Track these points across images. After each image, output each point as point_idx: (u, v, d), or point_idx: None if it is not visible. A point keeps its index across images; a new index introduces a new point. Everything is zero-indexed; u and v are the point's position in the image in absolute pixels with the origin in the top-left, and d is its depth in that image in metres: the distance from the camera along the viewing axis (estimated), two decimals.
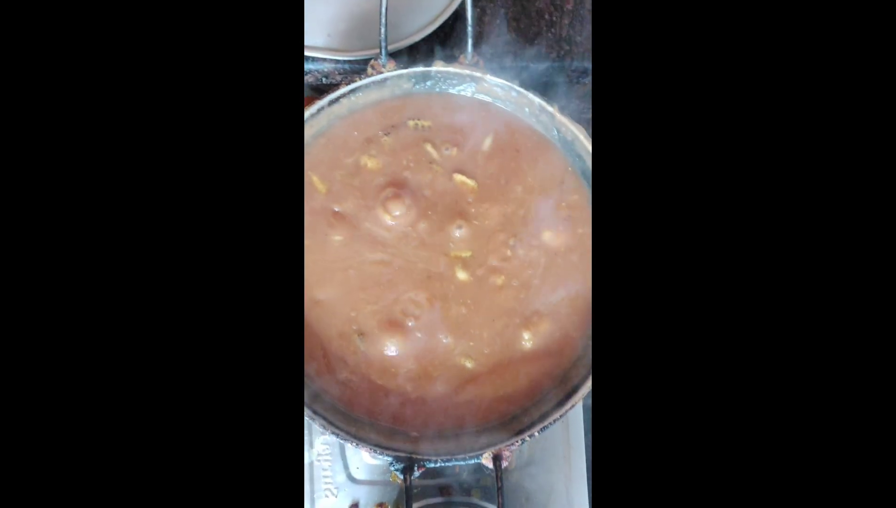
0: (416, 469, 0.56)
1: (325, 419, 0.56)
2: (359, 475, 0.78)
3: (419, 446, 0.58)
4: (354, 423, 0.59)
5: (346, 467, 0.78)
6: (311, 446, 0.77)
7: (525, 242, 0.66)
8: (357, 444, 0.55)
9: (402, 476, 0.55)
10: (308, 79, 0.85)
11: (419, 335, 0.62)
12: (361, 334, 0.62)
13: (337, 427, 0.56)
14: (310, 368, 0.61)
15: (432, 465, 0.57)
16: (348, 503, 0.78)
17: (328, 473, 0.78)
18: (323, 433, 0.77)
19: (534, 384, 0.64)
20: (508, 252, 0.66)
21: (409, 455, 0.56)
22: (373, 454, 0.56)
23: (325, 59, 0.80)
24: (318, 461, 0.77)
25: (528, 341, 0.64)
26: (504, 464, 0.58)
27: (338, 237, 0.64)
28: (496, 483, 0.56)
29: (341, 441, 0.75)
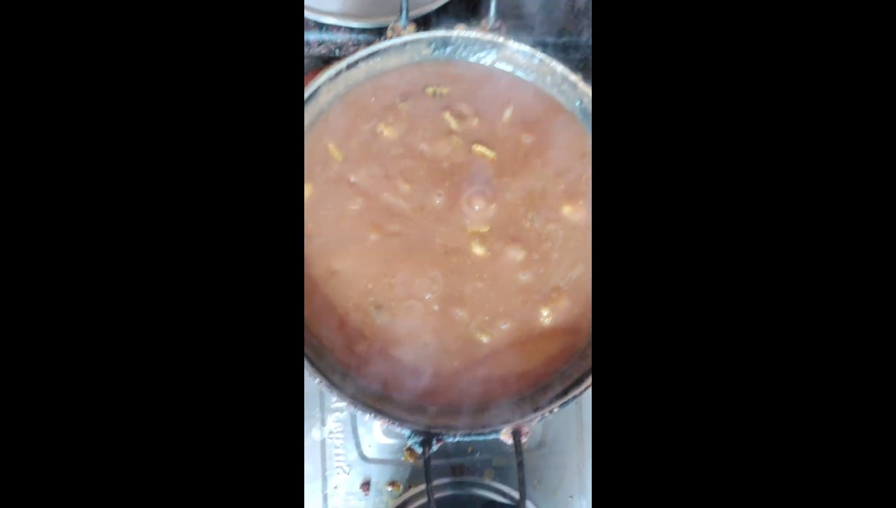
0: (434, 442, 0.54)
1: (340, 390, 0.54)
2: (371, 453, 0.77)
3: (437, 420, 0.56)
4: (372, 396, 0.57)
5: (357, 445, 0.76)
6: (324, 423, 0.76)
7: (544, 215, 0.65)
8: (375, 416, 0.54)
9: (420, 450, 0.54)
10: (321, 50, 0.82)
11: (436, 308, 0.61)
12: (378, 306, 0.60)
13: (354, 400, 0.54)
14: (326, 340, 0.59)
15: (451, 440, 0.55)
16: (360, 481, 0.77)
17: (340, 451, 0.76)
18: (336, 411, 0.75)
19: (551, 361, 0.63)
20: (527, 225, 0.64)
21: (427, 429, 0.55)
22: (390, 426, 0.55)
23: (338, 28, 0.78)
24: (331, 438, 0.76)
25: (546, 317, 0.62)
26: (523, 440, 0.56)
27: (354, 207, 0.62)
28: (516, 457, 0.55)
29: (354, 418, 0.74)
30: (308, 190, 0.62)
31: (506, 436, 0.57)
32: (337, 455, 0.77)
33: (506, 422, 0.57)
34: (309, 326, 0.59)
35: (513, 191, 0.65)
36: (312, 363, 0.55)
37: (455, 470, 0.77)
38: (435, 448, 0.55)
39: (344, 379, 0.57)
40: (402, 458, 0.77)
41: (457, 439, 0.55)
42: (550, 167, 0.66)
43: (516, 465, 0.54)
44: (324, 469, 0.77)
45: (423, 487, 0.68)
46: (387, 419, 0.54)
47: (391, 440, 0.76)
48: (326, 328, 0.59)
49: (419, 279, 0.61)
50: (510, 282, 0.62)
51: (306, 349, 0.56)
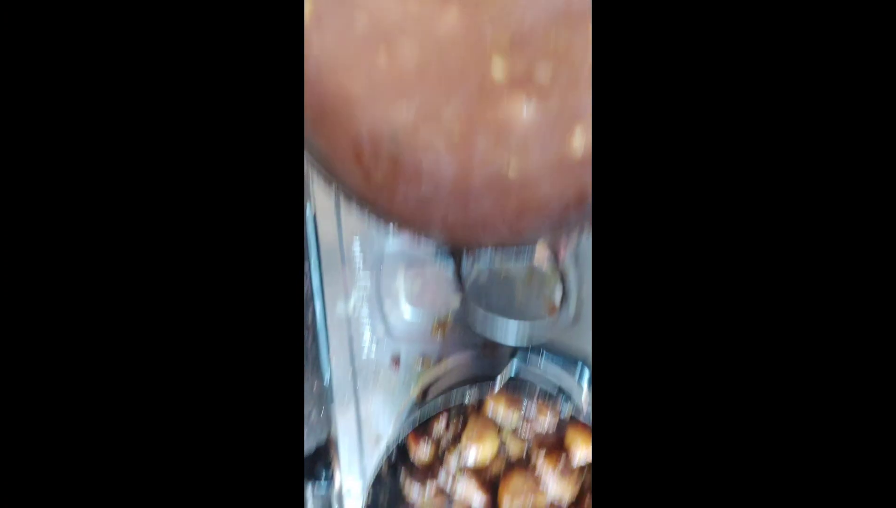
0: (465, 255, 0.51)
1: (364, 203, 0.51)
2: (399, 327, 0.74)
3: (465, 234, 0.53)
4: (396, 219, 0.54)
5: (384, 319, 0.74)
6: (348, 297, 0.73)
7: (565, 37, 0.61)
8: (399, 228, 0.50)
9: (451, 265, 0.51)
10: None
11: (456, 135, 0.58)
12: (395, 134, 0.57)
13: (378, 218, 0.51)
14: (346, 172, 0.57)
15: (484, 252, 0.52)
16: (389, 355, 0.74)
17: (366, 327, 0.74)
18: (356, 283, 0.73)
19: (583, 194, 0.59)
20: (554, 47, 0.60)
21: (454, 244, 0.52)
22: (415, 238, 0.51)
23: None
24: (355, 314, 0.73)
25: (577, 147, 0.59)
26: (561, 256, 0.53)
27: (363, 21, 0.58)
28: (556, 270, 0.51)
29: (379, 293, 0.71)
30: (308, 7, 0.58)
31: (540, 254, 0.53)
32: (363, 332, 0.74)
33: (538, 239, 0.53)
34: (326, 159, 0.57)
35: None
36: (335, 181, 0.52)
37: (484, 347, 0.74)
38: (466, 266, 0.51)
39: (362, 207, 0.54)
40: (430, 332, 0.74)
41: (489, 263, 0.52)
42: None
43: (558, 279, 0.51)
44: (351, 348, 0.74)
45: (453, 360, 0.65)
46: (413, 231, 0.51)
47: (417, 319, 0.73)
48: (343, 157, 0.56)
49: (440, 104, 0.58)
50: (539, 110, 0.59)
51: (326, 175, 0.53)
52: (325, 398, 0.77)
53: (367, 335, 0.74)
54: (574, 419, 0.61)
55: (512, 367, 0.59)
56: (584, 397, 0.62)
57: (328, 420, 0.77)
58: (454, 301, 0.72)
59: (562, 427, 0.65)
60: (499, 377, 0.59)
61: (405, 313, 0.73)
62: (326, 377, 0.75)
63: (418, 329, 0.74)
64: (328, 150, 0.58)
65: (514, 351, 0.61)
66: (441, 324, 0.74)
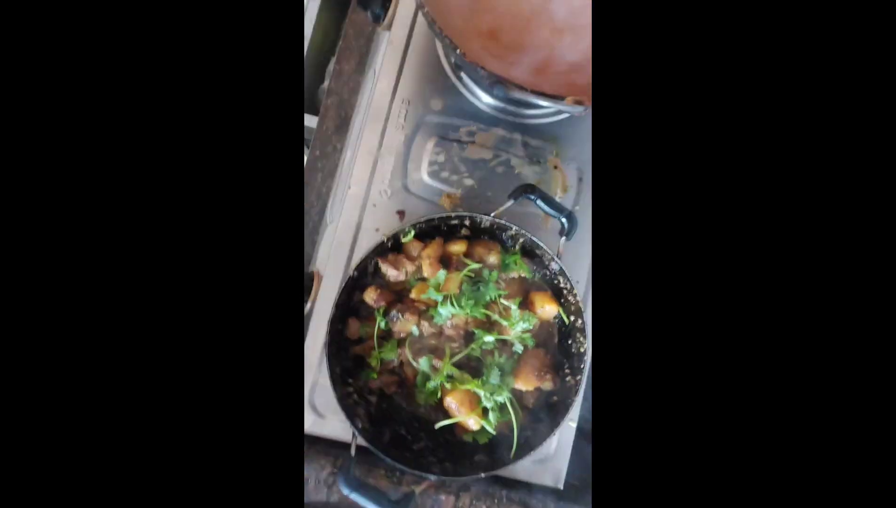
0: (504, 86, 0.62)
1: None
2: (413, 188, 0.83)
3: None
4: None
5: (404, 176, 0.83)
6: (381, 147, 0.83)
7: None
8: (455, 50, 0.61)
9: (492, 92, 0.61)
10: None
11: None
12: None
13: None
14: None
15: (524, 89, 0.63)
16: (396, 208, 0.83)
17: (388, 176, 0.83)
18: (395, 132, 0.83)
19: None
20: None
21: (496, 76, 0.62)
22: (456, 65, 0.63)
23: None
24: (382, 160, 0.83)
25: None
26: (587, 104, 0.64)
27: None
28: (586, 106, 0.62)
29: (409, 150, 0.81)
30: None
31: (570, 102, 0.65)
32: (383, 179, 0.83)
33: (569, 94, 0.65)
34: None
35: None
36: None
37: None
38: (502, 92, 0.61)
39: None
40: (439, 201, 0.83)
41: (527, 95, 0.62)
42: None
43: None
44: (368, 191, 0.83)
45: (455, 217, 0.75)
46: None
47: (435, 183, 0.83)
48: None
49: None
50: None
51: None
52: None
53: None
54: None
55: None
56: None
57: None
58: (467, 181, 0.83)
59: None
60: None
61: (424, 175, 0.83)
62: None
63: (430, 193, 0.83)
64: None
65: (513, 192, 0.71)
66: (450, 197, 0.83)
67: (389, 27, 0.85)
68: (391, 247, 0.73)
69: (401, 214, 0.83)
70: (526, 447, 0.69)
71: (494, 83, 0.63)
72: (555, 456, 0.80)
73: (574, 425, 0.81)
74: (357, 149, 0.83)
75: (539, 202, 0.68)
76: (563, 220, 0.68)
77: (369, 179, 0.83)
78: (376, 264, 0.73)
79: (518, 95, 0.63)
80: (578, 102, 0.66)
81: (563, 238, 0.70)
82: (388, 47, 0.84)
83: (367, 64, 0.85)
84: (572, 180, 0.84)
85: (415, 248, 0.74)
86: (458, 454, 0.71)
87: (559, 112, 0.82)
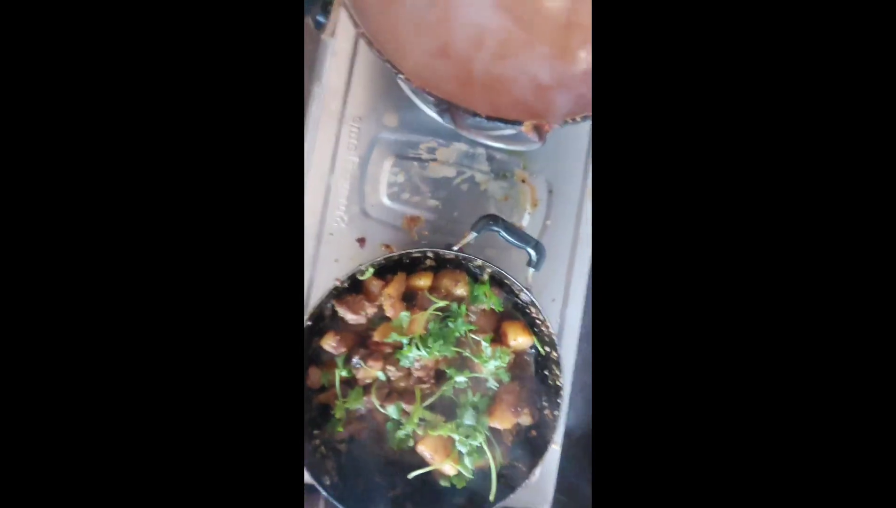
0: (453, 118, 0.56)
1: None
2: (373, 212, 0.77)
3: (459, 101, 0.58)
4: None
5: (361, 200, 0.77)
6: (333, 171, 0.77)
7: None
8: (397, 74, 0.55)
9: (444, 118, 0.56)
10: None
11: None
12: None
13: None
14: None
15: (470, 121, 0.57)
16: (355, 236, 0.77)
17: (343, 202, 0.77)
18: (349, 161, 0.77)
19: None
20: None
21: (449, 104, 0.56)
22: (412, 90, 0.57)
23: None
24: (335, 185, 0.77)
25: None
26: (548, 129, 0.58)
27: None
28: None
29: (365, 172, 0.75)
30: None
31: (528, 129, 0.59)
32: (339, 205, 0.77)
33: (525, 119, 0.59)
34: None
35: None
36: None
37: None
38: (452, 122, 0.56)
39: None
40: (401, 224, 0.78)
41: (481, 120, 0.57)
42: None
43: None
44: (323, 218, 0.77)
45: (417, 252, 0.69)
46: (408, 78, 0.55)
47: (396, 205, 0.77)
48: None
49: None
50: None
51: None
52: None
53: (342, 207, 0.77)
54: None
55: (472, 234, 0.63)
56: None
57: None
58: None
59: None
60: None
61: (383, 198, 0.77)
62: None
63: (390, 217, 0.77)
64: None
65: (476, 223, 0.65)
66: (413, 219, 0.78)
67: (333, 34, 0.77)
68: (349, 287, 0.68)
69: (361, 241, 0.77)
70: (507, 488, 0.66)
71: (444, 111, 0.57)
72: (540, 480, 0.77)
73: (558, 448, 0.78)
74: (307, 174, 0.76)
75: (503, 233, 0.63)
76: (530, 250, 0.63)
77: (322, 206, 0.77)
78: (333, 307, 0.68)
79: (470, 122, 0.57)
80: (537, 127, 0.60)
81: (532, 270, 0.65)
82: (333, 59, 0.76)
83: (311, 79, 0.77)
84: (542, 194, 0.78)
85: (375, 286, 0.68)
86: (436, 498, 0.68)
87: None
